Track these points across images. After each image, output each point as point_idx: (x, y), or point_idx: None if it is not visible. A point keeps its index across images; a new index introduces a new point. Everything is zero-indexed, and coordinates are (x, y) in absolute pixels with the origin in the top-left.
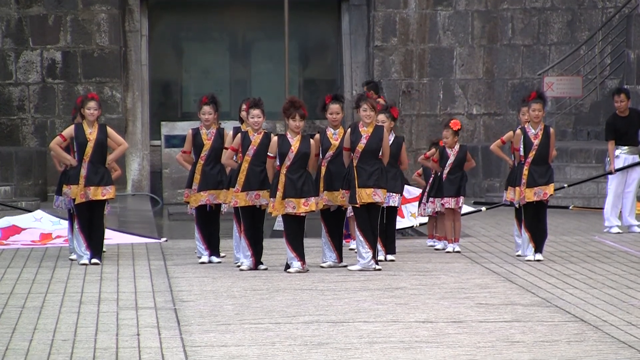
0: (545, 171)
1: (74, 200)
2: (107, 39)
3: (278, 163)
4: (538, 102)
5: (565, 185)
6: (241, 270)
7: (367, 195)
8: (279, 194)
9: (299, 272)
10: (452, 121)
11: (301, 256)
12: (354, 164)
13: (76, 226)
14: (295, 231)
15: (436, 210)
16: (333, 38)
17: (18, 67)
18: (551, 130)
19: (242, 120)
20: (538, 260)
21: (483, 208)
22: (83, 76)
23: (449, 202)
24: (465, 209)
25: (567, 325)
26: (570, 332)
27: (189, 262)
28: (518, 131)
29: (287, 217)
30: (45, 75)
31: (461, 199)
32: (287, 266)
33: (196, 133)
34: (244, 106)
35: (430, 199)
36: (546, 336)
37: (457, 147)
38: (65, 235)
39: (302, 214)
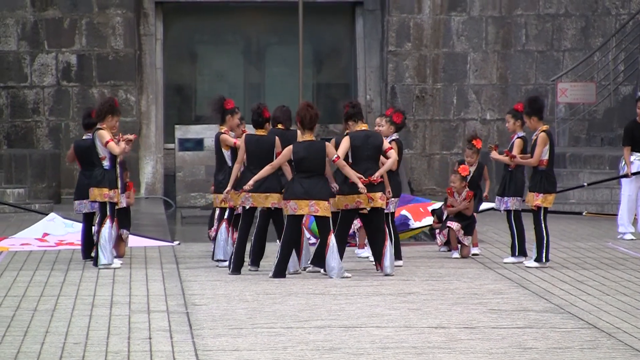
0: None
1: (115, 204)
2: (122, 42)
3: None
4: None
5: (585, 184)
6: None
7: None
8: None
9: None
10: (461, 166)
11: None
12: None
13: (114, 230)
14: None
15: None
16: (347, 42)
17: (33, 69)
18: (516, 141)
19: None
20: (528, 267)
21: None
22: (98, 79)
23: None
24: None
25: (580, 332)
26: (583, 339)
27: (202, 265)
28: (518, 140)
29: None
30: (60, 78)
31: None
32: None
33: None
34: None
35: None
36: (559, 343)
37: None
38: (77, 240)
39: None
